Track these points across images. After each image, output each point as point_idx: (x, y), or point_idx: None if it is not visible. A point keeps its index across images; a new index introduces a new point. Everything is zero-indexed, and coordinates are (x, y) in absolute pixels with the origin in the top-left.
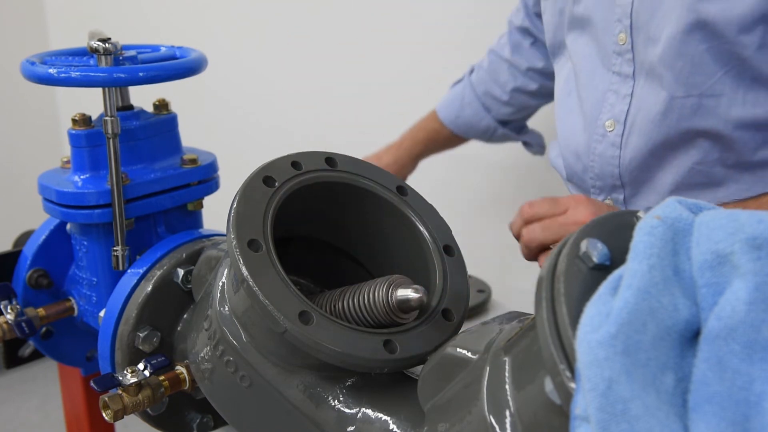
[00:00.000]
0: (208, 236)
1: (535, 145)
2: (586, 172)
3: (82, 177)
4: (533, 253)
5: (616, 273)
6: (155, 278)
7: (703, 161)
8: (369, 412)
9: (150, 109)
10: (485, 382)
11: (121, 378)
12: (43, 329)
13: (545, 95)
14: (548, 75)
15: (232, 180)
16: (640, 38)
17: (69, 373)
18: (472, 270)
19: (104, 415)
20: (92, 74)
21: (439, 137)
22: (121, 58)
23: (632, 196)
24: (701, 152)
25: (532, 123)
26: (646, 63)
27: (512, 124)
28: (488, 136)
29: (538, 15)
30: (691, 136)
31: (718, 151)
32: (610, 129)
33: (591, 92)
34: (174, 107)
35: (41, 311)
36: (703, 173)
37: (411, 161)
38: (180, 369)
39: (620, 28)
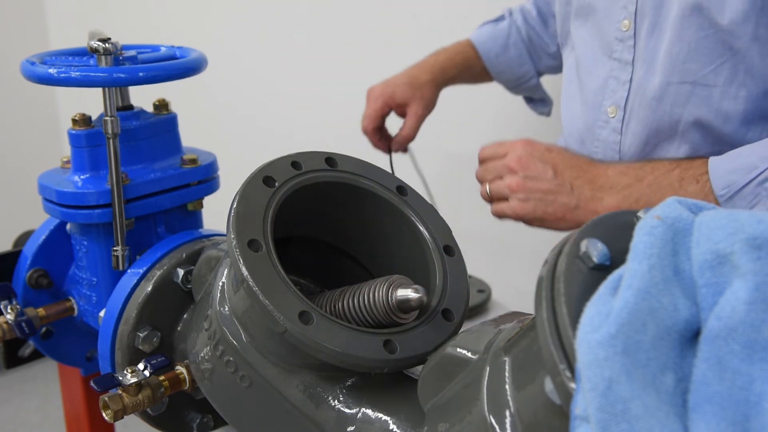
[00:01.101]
0: (208, 236)
1: (547, 106)
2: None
3: (82, 177)
4: (485, 191)
5: (616, 273)
6: (155, 278)
7: (693, 155)
8: (369, 412)
9: (150, 109)
10: (485, 382)
11: (121, 378)
12: (43, 329)
13: None
14: None
15: (232, 180)
16: (644, 25)
17: (69, 373)
18: (472, 270)
19: (104, 415)
20: (92, 74)
21: (473, 70)
22: (121, 58)
23: None
24: (692, 145)
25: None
26: (647, 49)
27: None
28: (519, 83)
29: None
30: (684, 127)
31: (708, 145)
32: (612, 115)
33: (592, 79)
34: (174, 107)
35: (41, 311)
36: None
37: (444, 83)
38: (180, 369)
39: (624, 15)
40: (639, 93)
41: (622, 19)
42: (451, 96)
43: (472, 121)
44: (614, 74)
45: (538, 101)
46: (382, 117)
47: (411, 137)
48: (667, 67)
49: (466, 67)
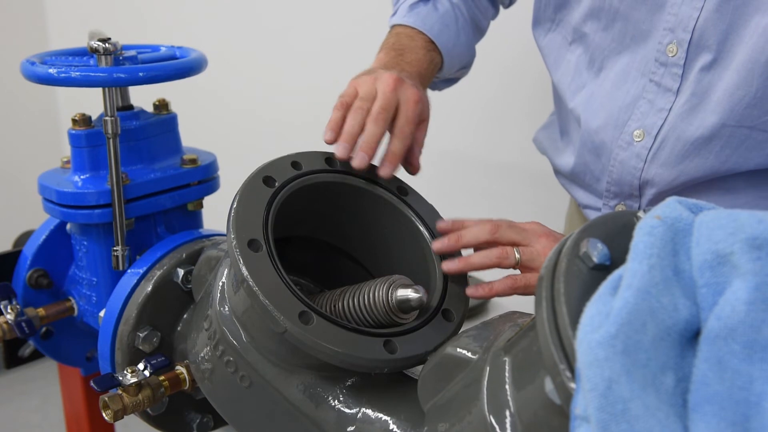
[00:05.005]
0: (208, 236)
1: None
2: (603, 173)
3: (82, 177)
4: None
5: (616, 273)
6: (155, 278)
7: (725, 199)
8: (369, 412)
9: (150, 109)
10: (485, 382)
11: (121, 378)
12: (43, 329)
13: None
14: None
15: (232, 180)
16: (700, 58)
17: (69, 373)
18: None
19: (104, 415)
20: (92, 74)
21: (434, 72)
22: (121, 58)
23: (648, 206)
24: (727, 189)
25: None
26: (701, 84)
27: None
28: (454, 75)
29: None
30: (726, 170)
31: (746, 190)
32: (638, 139)
33: (618, 94)
34: (174, 107)
35: (41, 311)
36: None
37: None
38: (180, 369)
39: (671, 39)
40: (679, 127)
41: (668, 43)
42: (446, 94)
43: (465, 118)
44: (648, 97)
45: (450, 80)
46: None
47: None
48: (726, 109)
49: (433, 71)
